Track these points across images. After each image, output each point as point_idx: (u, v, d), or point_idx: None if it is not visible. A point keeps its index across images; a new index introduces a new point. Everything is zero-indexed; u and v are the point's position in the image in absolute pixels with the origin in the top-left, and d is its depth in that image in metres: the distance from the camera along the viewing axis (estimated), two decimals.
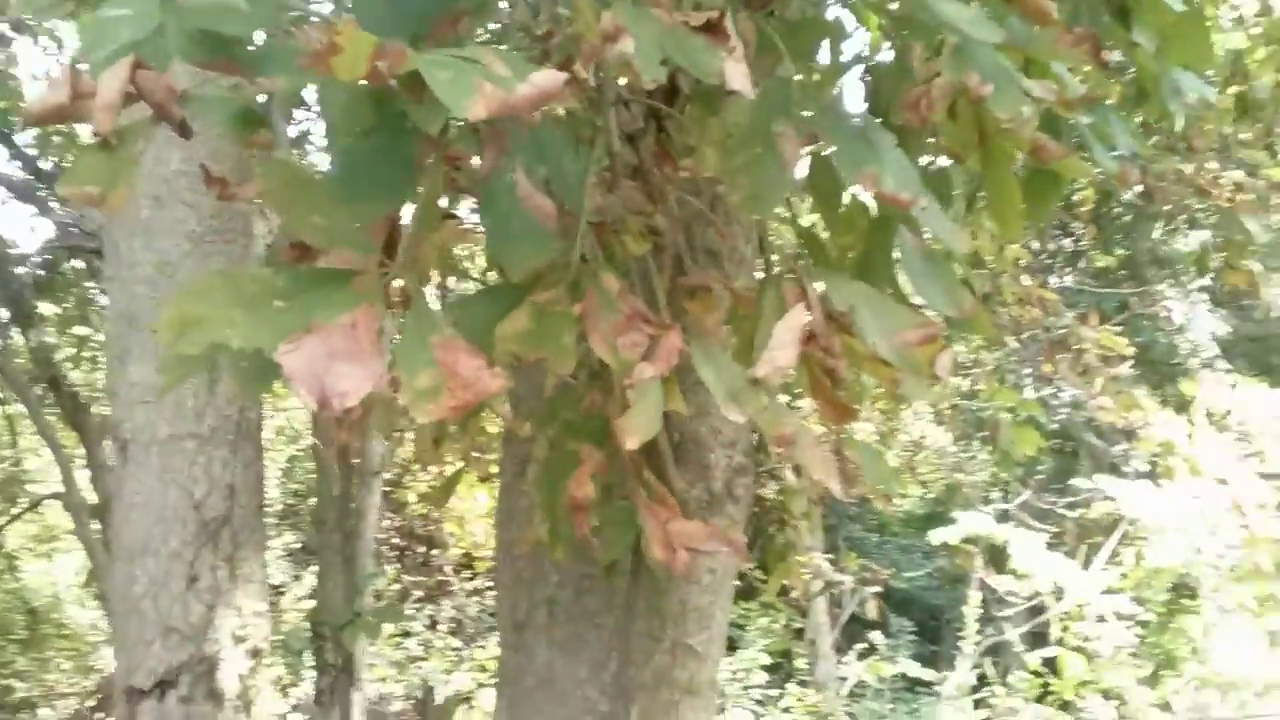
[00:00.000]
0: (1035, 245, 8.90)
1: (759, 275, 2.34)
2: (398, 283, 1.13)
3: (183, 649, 3.64)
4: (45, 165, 6.83)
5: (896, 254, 1.73)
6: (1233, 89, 4.47)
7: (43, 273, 6.88)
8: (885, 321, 1.33)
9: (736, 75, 1.10)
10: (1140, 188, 5.45)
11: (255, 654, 3.83)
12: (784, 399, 1.48)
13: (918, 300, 1.74)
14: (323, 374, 0.98)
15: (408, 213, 1.24)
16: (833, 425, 1.71)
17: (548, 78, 0.94)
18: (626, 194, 1.74)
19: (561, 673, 2.33)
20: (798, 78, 1.82)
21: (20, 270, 6.85)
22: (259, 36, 1.20)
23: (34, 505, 8.26)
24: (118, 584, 3.78)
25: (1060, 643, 7.05)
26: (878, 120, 2.06)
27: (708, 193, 2.15)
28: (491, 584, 9.02)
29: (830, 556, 8.18)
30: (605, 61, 1.08)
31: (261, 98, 1.38)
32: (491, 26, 2.14)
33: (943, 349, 1.30)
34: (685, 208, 1.97)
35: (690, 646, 2.40)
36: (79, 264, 6.89)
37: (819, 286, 1.47)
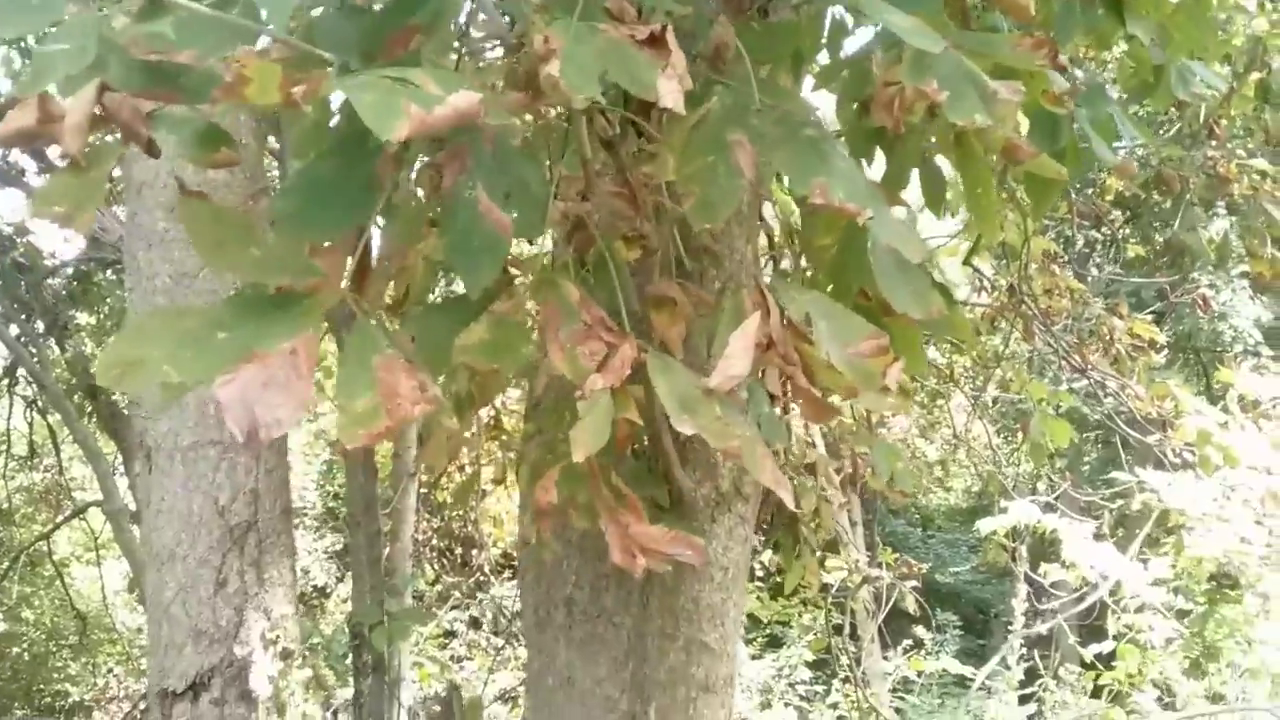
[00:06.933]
0: (1070, 234, 8.81)
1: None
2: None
3: (213, 652, 3.70)
4: None
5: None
6: (1255, 75, 4.41)
7: (77, 284, 6.99)
8: (840, 332, 1.34)
9: (669, 91, 1.12)
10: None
11: (286, 656, 3.89)
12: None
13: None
14: (255, 404, 0.98)
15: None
16: (813, 422, 1.72)
17: (464, 99, 0.96)
18: (606, 200, 1.76)
19: (581, 672, 2.35)
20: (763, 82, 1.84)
21: (54, 281, 6.98)
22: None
23: (76, 514, 8.35)
24: (149, 589, 3.86)
25: (1117, 636, 6.99)
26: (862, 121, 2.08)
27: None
28: None
29: (870, 554, 8.16)
30: (540, 82, 1.11)
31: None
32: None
33: (894, 361, 1.31)
34: (670, 212, 1.98)
35: (705, 644, 2.41)
36: (112, 275, 7.00)
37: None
